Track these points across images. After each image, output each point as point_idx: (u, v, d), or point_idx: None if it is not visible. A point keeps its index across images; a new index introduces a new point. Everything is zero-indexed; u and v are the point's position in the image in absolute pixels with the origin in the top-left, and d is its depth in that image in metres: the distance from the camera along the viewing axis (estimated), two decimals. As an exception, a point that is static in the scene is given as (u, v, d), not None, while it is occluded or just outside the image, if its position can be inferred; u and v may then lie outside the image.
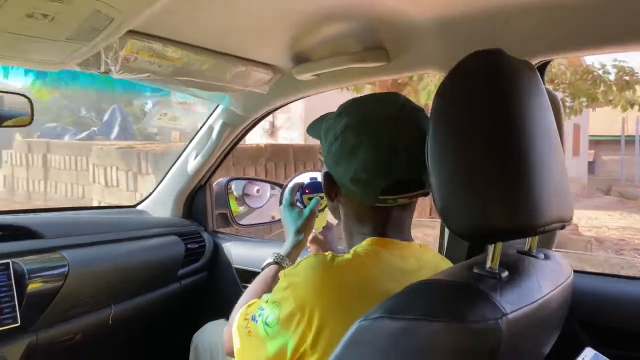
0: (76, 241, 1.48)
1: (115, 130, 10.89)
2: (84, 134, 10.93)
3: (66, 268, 1.37)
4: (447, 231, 1.32)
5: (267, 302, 0.89)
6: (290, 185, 1.27)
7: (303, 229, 1.19)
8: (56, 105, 13.43)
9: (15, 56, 1.02)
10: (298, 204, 1.24)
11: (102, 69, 1.10)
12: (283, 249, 1.17)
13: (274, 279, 1.08)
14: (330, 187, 0.96)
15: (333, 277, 0.83)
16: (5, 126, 1.21)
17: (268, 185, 2.19)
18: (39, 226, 1.44)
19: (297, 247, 1.18)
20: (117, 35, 0.94)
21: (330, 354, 0.72)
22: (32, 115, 1.17)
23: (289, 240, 1.19)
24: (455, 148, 0.72)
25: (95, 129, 11.14)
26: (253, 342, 0.89)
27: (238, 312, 1.00)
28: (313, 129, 1.03)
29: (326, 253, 0.87)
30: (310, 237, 1.26)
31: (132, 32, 1.05)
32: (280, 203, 1.30)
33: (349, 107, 0.93)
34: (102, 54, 1.05)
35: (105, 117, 11.58)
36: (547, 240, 1.08)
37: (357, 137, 0.88)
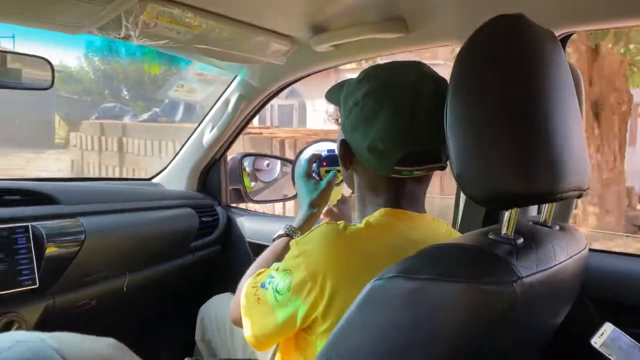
0: (94, 209, 1.51)
1: (180, 111, 10.04)
2: (145, 115, 10.31)
3: (83, 234, 1.39)
4: (461, 203, 1.32)
5: (277, 270, 0.89)
6: (307, 155, 1.23)
7: (317, 203, 1.16)
8: (99, 84, 13.13)
9: (35, 18, 1.04)
10: (314, 175, 1.21)
11: (122, 34, 1.11)
12: (295, 221, 1.15)
13: (284, 250, 1.06)
14: (345, 155, 0.94)
15: (345, 245, 0.83)
16: (26, 89, 1.23)
17: (281, 162, 2.20)
18: (58, 192, 1.46)
19: (309, 220, 1.15)
20: (136, -3, 0.94)
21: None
22: (53, 78, 1.18)
23: (302, 212, 1.17)
24: (473, 113, 0.71)
25: (158, 109, 10.38)
26: (262, 309, 0.89)
27: (246, 281, 1.00)
28: (332, 95, 1.01)
29: (338, 222, 0.87)
30: (324, 210, 1.23)
31: (152, -4, 1.05)
32: (293, 172, 1.30)
33: (371, 73, 0.91)
34: (122, 18, 1.05)
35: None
36: (563, 214, 1.08)
37: (377, 103, 0.86)
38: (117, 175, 7.57)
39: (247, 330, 0.93)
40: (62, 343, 0.35)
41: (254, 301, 0.92)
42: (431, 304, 0.66)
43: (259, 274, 0.98)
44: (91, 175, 8.14)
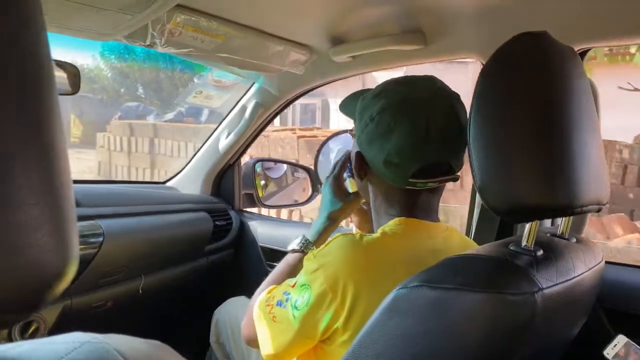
0: (112, 211, 1.52)
1: (206, 112, 9.68)
2: (170, 115, 9.88)
3: (101, 237, 1.41)
4: (475, 214, 1.33)
5: (293, 286, 0.89)
6: (342, 155, 1.15)
7: (337, 216, 1.11)
8: (115, 83, 12.79)
9: (66, 26, 1.06)
10: (346, 176, 1.14)
11: (148, 42, 1.13)
12: (310, 233, 1.12)
13: (297, 266, 1.04)
14: (360, 166, 0.96)
15: (364, 254, 0.84)
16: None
17: (293, 168, 2.22)
18: (77, 194, 1.48)
19: (325, 233, 1.11)
20: (166, 7, 0.97)
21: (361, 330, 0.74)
22: (79, 84, 1.20)
23: (319, 222, 1.12)
24: (496, 127, 0.73)
25: (183, 109, 9.93)
26: (280, 327, 0.89)
27: (258, 298, 1.00)
28: (346, 107, 1.03)
29: (354, 232, 0.89)
30: (355, 209, 1.16)
31: (180, 6, 1.08)
32: (316, 166, 1.27)
33: (387, 88, 0.93)
34: (149, 26, 1.08)
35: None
36: (578, 226, 1.09)
37: (393, 119, 0.88)
38: (147, 178, 7.43)
39: (266, 349, 0.92)
40: (119, 344, 0.37)
41: (269, 320, 0.92)
42: (455, 314, 0.67)
43: (271, 291, 0.98)
44: (119, 178, 7.82)
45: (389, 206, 0.95)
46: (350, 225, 0.96)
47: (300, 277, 0.88)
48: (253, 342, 0.98)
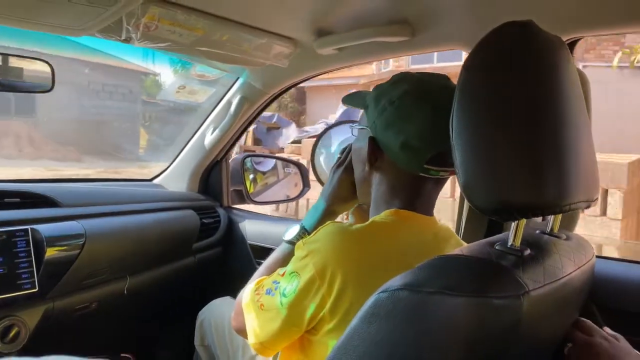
0: (93, 211, 1.50)
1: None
2: (309, 129, 9.09)
3: (83, 237, 1.38)
4: (465, 211, 1.31)
5: (283, 275, 0.89)
6: (339, 141, 1.19)
7: (340, 209, 1.10)
8: None
9: (35, 20, 1.02)
10: None
11: (123, 37, 1.09)
12: (308, 222, 1.09)
13: (289, 260, 1.02)
14: (373, 152, 0.95)
15: (353, 242, 0.84)
16: (25, 92, 1.21)
17: (284, 163, 2.19)
18: (58, 195, 1.45)
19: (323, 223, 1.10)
20: (139, 0, 0.93)
21: (348, 320, 0.71)
22: (53, 81, 1.16)
23: (319, 212, 1.09)
24: (480, 121, 0.70)
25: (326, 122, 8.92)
26: (267, 316, 0.89)
27: (247, 289, 1.00)
28: (352, 98, 1.04)
29: (344, 222, 0.87)
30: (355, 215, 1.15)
31: (154, -1, 1.04)
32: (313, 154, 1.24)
33: (405, 76, 0.94)
34: (123, 20, 1.04)
35: (338, 113, 9.00)
36: (569, 222, 1.06)
37: (416, 102, 0.89)
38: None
39: (252, 338, 0.93)
40: None
41: (256, 308, 0.92)
42: (436, 319, 0.64)
43: (261, 281, 0.98)
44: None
45: (392, 195, 0.95)
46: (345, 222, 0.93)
47: (290, 266, 0.88)
48: (242, 331, 0.98)
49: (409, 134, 0.88)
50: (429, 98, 0.88)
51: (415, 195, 0.93)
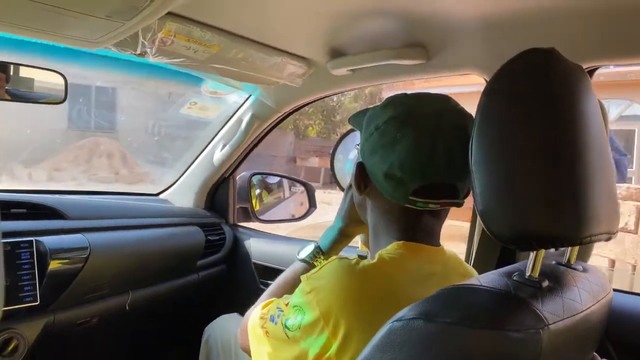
0: (99, 224, 1.48)
1: None
2: None
3: (87, 251, 1.36)
4: (476, 239, 1.28)
5: (287, 305, 0.86)
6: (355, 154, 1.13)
7: (354, 231, 1.07)
8: None
9: (52, 32, 1.02)
10: None
11: (139, 51, 1.09)
12: (324, 242, 1.08)
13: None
14: (361, 178, 0.91)
15: (359, 282, 0.80)
16: (39, 103, 1.21)
17: (290, 182, 2.18)
18: (63, 207, 1.44)
19: (338, 245, 1.08)
20: (157, 15, 0.92)
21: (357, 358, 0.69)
22: (66, 93, 1.16)
23: (334, 232, 1.07)
24: (501, 148, 0.68)
25: None
26: (272, 343, 0.87)
27: (255, 310, 0.97)
28: (355, 119, 1.00)
29: (351, 257, 0.84)
30: (364, 239, 1.12)
31: (172, 14, 1.04)
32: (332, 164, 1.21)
33: (396, 100, 0.89)
34: (139, 35, 1.04)
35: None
36: (583, 253, 1.04)
37: (399, 129, 0.84)
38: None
39: None
40: None
41: (262, 334, 0.90)
42: (453, 350, 0.62)
43: (268, 304, 0.95)
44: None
45: (388, 226, 0.91)
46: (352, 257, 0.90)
47: (294, 297, 0.85)
48: (247, 351, 0.96)
49: (392, 163, 0.83)
50: (413, 125, 0.83)
51: (412, 227, 0.88)
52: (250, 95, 1.75)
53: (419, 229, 0.88)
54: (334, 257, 0.85)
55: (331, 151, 1.39)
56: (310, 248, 1.08)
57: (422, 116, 0.84)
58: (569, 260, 0.83)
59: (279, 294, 1.01)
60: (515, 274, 0.70)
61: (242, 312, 1.50)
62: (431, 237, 0.90)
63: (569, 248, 0.82)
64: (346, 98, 13.00)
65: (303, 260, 1.07)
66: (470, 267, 0.99)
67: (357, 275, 0.80)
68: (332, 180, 1.36)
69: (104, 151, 8.89)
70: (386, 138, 0.85)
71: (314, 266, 1.04)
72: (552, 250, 1.11)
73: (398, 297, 0.78)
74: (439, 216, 0.91)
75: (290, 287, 1.01)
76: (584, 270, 0.83)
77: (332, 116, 13.79)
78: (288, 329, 0.82)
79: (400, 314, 0.66)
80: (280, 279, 1.08)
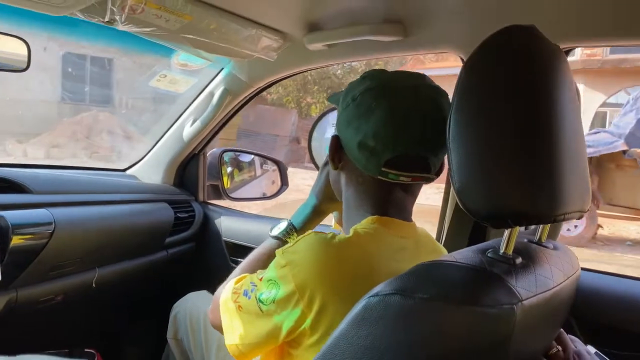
0: (64, 199, 1.43)
1: None
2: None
3: (52, 226, 1.32)
4: (447, 217, 1.29)
5: (261, 279, 0.85)
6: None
7: (328, 209, 1.07)
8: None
9: (15, -5, 0.96)
10: None
11: (107, 19, 1.04)
12: (297, 219, 1.07)
13: (273, 256, 0.99)
14: (335, 151, 0.91)
15: (334, 256, 0.80)
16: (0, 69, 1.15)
17: (262, 160, 2.15)
18: (27, 181, 1.39)
19: (312, 223, 1.07)
20: (127, -20, 0.88)
21: (331, 332, 0.69)
22: (29, 60, 1.10)
23: (308, 209, 1.07)
24: (478, 126, 0.68)
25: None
26: (244, 318, 0.86)
27: (227, 285, 0.96)
28: (335, 97, 0.99)
29: (327, 232, 0.83)
30: (337, 218, 1.13)
31: (142, -20, 1.00)
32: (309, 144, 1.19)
33: (373, 73, 0.90)
34: (108, 1, 0.99)
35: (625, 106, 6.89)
36: (553, 231, 1.06)
37: (375, 100, 0.84)
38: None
39: (229, 338, 0.89)
40: None
41: (234, 309, 0.88)
42: (429, 325, 0.62)
43: (240, 279, 0.94)
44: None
45: (361, 200, 0.91)
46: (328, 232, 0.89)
47: (268, 271, 0.84)
48: (219, 328, 0.95)
49: (366, 133, 0.84)
50: (388, 96, 0.84)
51: (384, 202, 0.89)
52: (223, 69, 1.70)
53: (391, 203, 0.89)
54: (309, 231, 0.85)
55: (309, 131, 1.37)
56: (283, 225, 1.07)
57: (399, 88, 0.85)
58: (540, 238, 0.84)
59: (251, 270, 0.99)
60: (489, 250, 0.70)
61: (211, 290, 1.48)
62: (403, 212, 0.91)
63: (541, 226, 0.83)
64: (352, 75, 12.78)
65: (276, 237, 1.06)
66: (439, 244, 1.01)
67: (333, 249, 0.80)
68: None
69: (103, 127, 8.42)
70: (362, 109, 0.85)
71: (286, 243, 1.03)
72: (523, 228, 1.14)
73: (373, 271, 0.79)
74: (412, 191, 0.91)
75: (263, 263, 1.01)
76: (555, 248, 0.85)
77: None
78: (262, 302, 0.82)
79: (376, 289, 0.65)
80: (252, 256, 1.06)
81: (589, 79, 9.68)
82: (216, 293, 1.01)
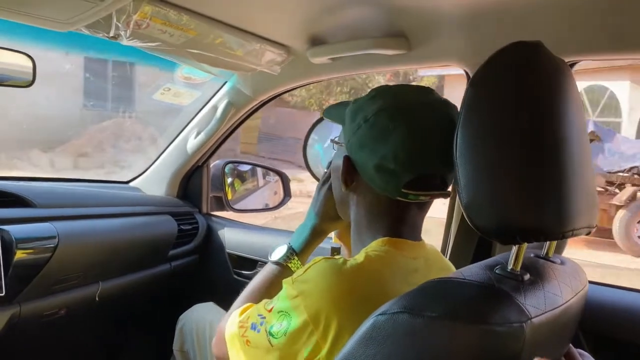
0: (68, 213, 1.43)
1: None
2: None
3: (56, 240, 1.31)
4: (452, 232, 1.29)
5: (270, 310, 0.82)
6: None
7: (328, 229, 1.04)
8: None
9: (23, 11, 0.97)
10: None
11: (112, 34, 1.05)
12: (296, 242, 1.04)
13: (276, 282, 0.96)
14: (348, 172, 0.88)
15: (347, 283, 0.78)
16: (4, 85, 1.15)
17: (265, 171, 2.15)
18: (31, 195, 1.39)
19: (312, 245, 1.04)
20: (132, -3, 0.89)
21: None
22: (34, 76, 1.11)
23: (307, 231, 1.04)
24: (485, 142, 0.68)
25: None
26: (253, 353, 0.83)
27: (231, 317, 0.94)
28: (331, 112, 0.98)
29: (337, 257, 0.82)
30: (338, 232, 1.09)
31: (148, -4, 1.00)
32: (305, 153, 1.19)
33: (383, 91, 0.88)
34: (113, 16, 1.00)
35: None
36: (559, 246, 1.05)
37: (391, 120, 0.82)
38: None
39: None
40: None
41: (242, 343, 0.85)
42: (437, 344, 0.62)
43: (245, 310, 0.91)
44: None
45: (373, 221, 0.89)
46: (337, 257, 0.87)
47: (279, 302, 0.81)
48: (224, 359, 0.92)
49: (383, 156, 0.81)
50: (405, 116, 0.82)
51: (398, 221, 0.87)
52: (226, 82, 1.71)
53: (405, 223, 0.87)
54: (319, 258, 0.83)
55: (303, 140, 1.37)
56: (282, 249, 1.04)
57: (413, 107, 0.84)
58: (547, 253, 0.83)
59: (254, 300, 0.97)
60: (497, 267, 0.70)
61: (216, 302, 1.48)
62: (415, 232, 0.89)
63: (548, 241, 0.83)
64: (375, 76, 12.31)
65: (276, 263, 1.03)
66: (447, 261, 0.99)
67: (345, 276, 0.78)
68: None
69: (130, 134, 8.26)
70: (377, 130, 0.83)
71: (288, 268, 1.01)
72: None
73: (387, 296, 0.75)
74: (424, 209, 0.90)
75: (266, 290, 0.99)
76: (562, 263, 0.84)
77: (360, 95, 13.54)
78: (272, 336, 0.79)
79: (384, 308, 0.65)
80: (254, 283, 1.03)
81: (635, 76, 9.02)
82: (220, 325, 0.98)
